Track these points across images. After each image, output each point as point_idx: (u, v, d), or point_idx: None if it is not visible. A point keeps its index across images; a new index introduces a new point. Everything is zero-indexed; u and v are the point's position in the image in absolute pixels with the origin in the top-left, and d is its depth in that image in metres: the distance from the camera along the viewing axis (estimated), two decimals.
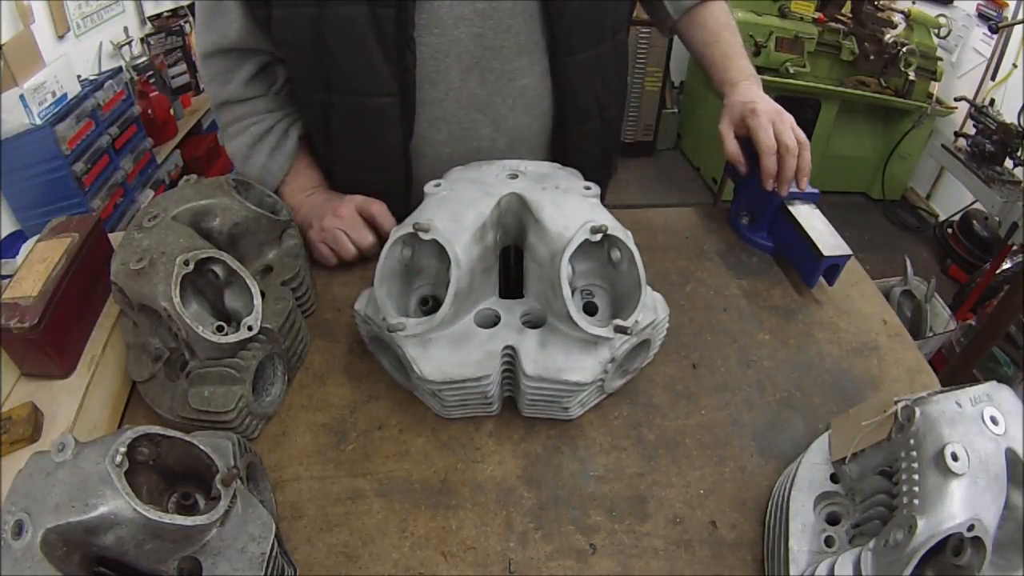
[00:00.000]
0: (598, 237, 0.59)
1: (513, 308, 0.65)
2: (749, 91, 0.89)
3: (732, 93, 0.90)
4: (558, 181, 0.66)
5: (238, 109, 0.89)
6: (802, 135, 0.83)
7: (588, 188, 0.65)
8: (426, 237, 0.59)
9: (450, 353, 0.60)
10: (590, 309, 0.66)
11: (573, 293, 0.61)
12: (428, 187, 0.67)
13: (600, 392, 0.66)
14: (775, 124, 0.82)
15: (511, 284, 0.70)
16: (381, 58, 0.75)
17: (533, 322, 0.64)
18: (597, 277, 0.66)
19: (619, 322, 0.58)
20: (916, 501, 0.46)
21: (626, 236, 0.61)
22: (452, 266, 0.58)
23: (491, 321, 0.64)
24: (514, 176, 0.67)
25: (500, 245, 0.67)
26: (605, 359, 0.60)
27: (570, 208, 0.62)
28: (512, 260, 0.70)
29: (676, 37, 1.03)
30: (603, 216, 0.63)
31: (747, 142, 0.86)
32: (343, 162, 0.90)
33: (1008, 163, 2.60)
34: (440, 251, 0.60)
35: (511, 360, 0.62)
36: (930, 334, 2.18)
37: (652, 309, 0.64)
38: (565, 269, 0.59)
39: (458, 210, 0.62)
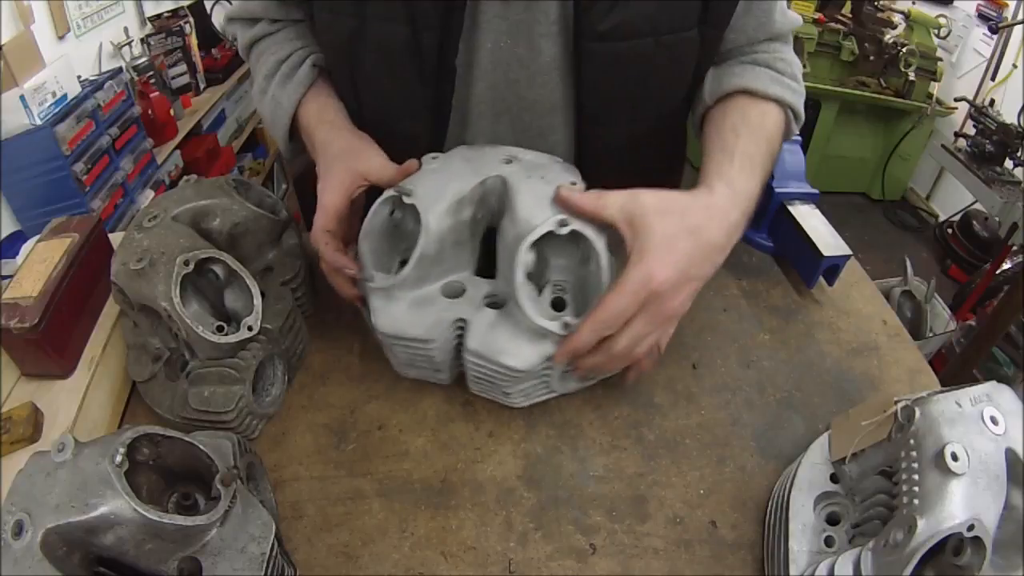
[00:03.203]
0: (565, 231, 0.58)
1: (481, 287, 0.66)
2: (692, 228, 0.57)
3: (696, 194, 0.63)
4: (545, 172, 0.66)
5: (262, 44, 0.81)
6: (644, 350, 0.59)
7: (574, 184, 0.64)
8: (407, 201, 0.62)
9: (407, 312, 0.63)
10: (559, 305, 0.65)
11: (544, 287, 0.63)
12: (426, 159, 0.69)
13: (547, 389, 0.66)
14: (643, 307, 0.55)
15: (492, 267, 0.70)
16: (418, 84, 0.72)
17: (496, 303, 0.65)
18: (571, 275, 0.66)
19: (568, 319, 0.58)
20: (916, 501, 0.46)
21: (596, 238, 0.59)
22: (421, 231, 0.61)
23: (456, 293, 0.66)
24: (508, 161, 0.67)
25: (482, 224, 0.68)
26: (547, 352, 0.60)
27: (545, 198, 0.62)
28: (497, 243, 0.70)
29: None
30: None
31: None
32: None
33: (1008, 163, 2.60)
34: (420, 218, 0.62)
35: (462, 333, 0.63)
36: (930, 334, 2.18)
37: None
38: (523, 255, 0.59)
39: (442, 181, 0.64)
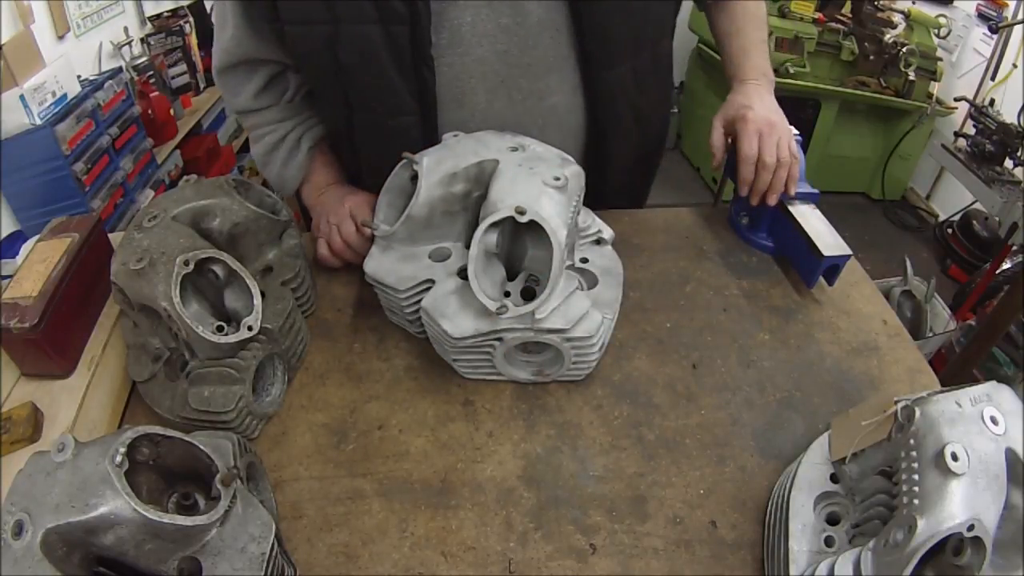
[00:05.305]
0: (524, 219, 0.60)
1: (464, 257, 0.69)
2: (751, 94, 0.87)
3: (735, 91, 0.89)
4: (538, 164, 0.66)
5: (252, 118, 0.90)
6: (786, 152, 0.82)
7: (557, 179, 0.64)
8: (415, 168, 0.69)
9: (393, 262, 0.71)
10: (528, 294, 0.66)
11: (518, 274, 0.67)
12: (447, 135, 0.75)
13: (492, 368, 0.69)
14: (762, 135, 0.82)
15: None
16: (398, 77, 0.74)
17: (465, 275, 0.66)
18: (546, 267, 0.66)
19: (505, 302, 0.61)
20: (916, 501, 0.46)
21: (552, 232, 0.60)
22: (414, 195, 0.68)
23: (442, 258, 0.71)
24: (515, 149, 0.70)
25: (477, 200, 0.70)
26: (483, 328, 0.63)
27: (521, 187, 0.63)
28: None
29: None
30: (551, 207, 0.62)
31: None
32: (369, 169, 0.89)
33: (1008, 163, 2.60)
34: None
35: (427, 291, 0.68)
36: (930, 334, 2.18)
37: (576, 322, 0.63)
38: (481, 234, 0.61)
39: (445, 156, 0.70)
